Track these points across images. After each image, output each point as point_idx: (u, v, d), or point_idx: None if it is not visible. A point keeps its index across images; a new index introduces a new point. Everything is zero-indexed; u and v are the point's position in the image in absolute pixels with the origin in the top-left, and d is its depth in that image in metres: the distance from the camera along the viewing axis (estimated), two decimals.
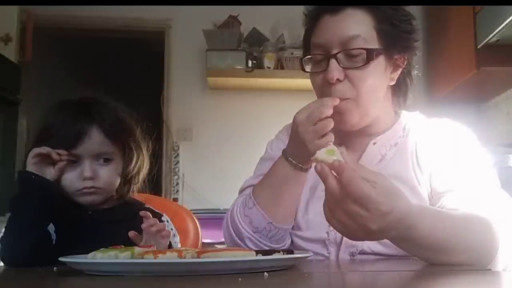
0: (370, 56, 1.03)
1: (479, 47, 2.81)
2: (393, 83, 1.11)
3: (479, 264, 0.87)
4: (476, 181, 1.02)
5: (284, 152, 1.08)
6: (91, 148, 1.08)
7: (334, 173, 0.76)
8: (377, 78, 1.06)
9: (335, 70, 1.03)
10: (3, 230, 1.03)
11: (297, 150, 1.04)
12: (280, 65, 3.42)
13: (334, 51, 1.04)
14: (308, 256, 0.81)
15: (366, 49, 1.02)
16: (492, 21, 2.63)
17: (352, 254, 1.07)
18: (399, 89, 1.15)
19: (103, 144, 1.10)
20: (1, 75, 3.02)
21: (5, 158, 2.96)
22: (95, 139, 1.08)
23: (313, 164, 0.78)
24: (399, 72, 1.10)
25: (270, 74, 3.41)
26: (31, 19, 3.50)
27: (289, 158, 1.06)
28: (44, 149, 1.04)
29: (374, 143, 1.13)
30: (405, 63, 1.10)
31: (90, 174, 1.08)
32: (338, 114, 1.02)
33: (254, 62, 3.44)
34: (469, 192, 0.99)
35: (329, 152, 0.78)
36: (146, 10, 3.68)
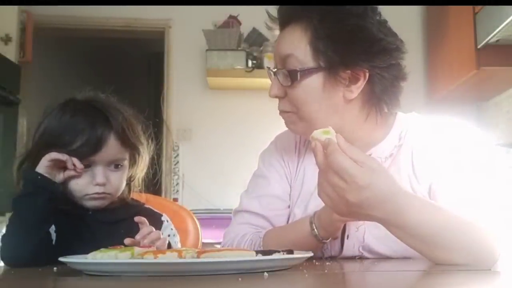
0: (293, 77, 1.03)
1: (479, 47, 2.82)
2: (353, 95, 1.04)
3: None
4: (476, 195, 0.98)
5: (311, 223, 1.02)
6: (108, 156, 1.08)
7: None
8: (313, 95, 1.03)
9: (273, 88, 1.08)
10: (3, 229, 1.02)
11: (331, 227, 1.00)
12: None
13: (278, 68, 1.07)
14: (308, 256, 0.81)
15: (289, 71, 1.03)
16: (492, 21, 2.63)
17: (353, 253, 1.06)
18: (378, 98, 1.06)
19: (119, 152, 1.10)
20: (1, 75, 3.02)
21: (5, 158, 2.96)
22: (112, 147, 1.08)
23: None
24: (360, 83, 1.03)
25: None
26: (31, 19, 3.51)
27: (316, 232, 1.01)
28: (64, 156, 1.02)
29: (369, 156, 1.08)
30: (366, 75, 1.02)
31: (103, 181, 1.07)
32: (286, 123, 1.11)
33: (254, 62, 3.45)
34: (468, 207, 0.96)
35: (325, 132, 0.87)
36: (146, 10, 3.68)
